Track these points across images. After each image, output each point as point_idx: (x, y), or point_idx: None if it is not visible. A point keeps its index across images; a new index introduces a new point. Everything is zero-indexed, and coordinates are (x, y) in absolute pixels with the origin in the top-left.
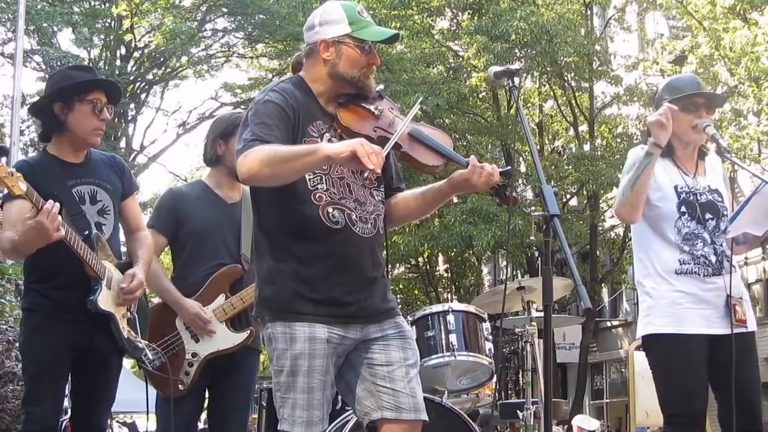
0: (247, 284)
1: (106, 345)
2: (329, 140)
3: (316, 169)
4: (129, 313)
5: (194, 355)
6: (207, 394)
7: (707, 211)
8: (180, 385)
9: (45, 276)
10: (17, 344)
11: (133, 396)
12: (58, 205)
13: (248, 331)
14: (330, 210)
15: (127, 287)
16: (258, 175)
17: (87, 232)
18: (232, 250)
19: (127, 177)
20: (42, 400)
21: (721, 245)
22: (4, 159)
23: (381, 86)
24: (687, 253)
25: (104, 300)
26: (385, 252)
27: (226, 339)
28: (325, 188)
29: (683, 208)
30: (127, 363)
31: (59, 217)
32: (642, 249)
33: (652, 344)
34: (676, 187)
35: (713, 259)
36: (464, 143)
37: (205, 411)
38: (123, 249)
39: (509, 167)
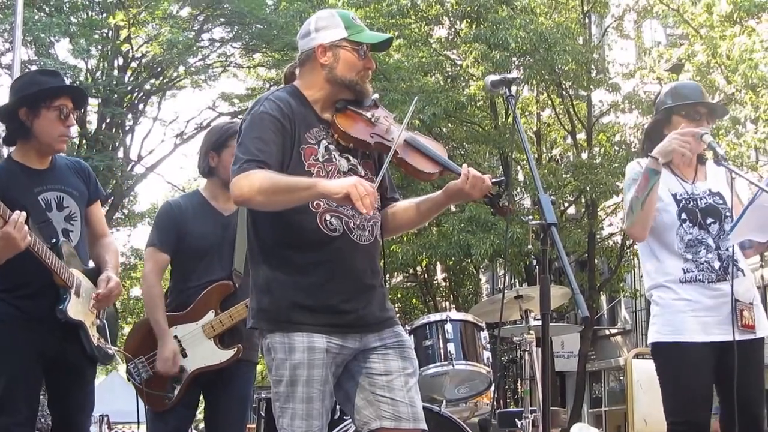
0: (239, 300)
1: (77, 353)
2: (326, 147)
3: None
4: (98, 320)
5: (181, 369)
6: (203, 405)
7: (708, 215)
8: (166, 399)
9: (13, 285)
10: None
11: (132, 407)
12: (24, 214)
13: (236, 349)
14: (327, 217)
15: (104, 290)
16: (252, 201)
17: (54, 240)
18: (225, 266)
19: (93, 183)
20: (15, 411)
21: (727, 250)
22: None
23: (376, 95)
24: (690, 261)
25: (74, 308)
26: (382, 261)
27: (213, 355)
28: None
29: (683, 215)
30: (125, 374)
31: (26, 227)
32: (648, 260)
33: (656, 352)
34: (674, 195)
35: (717, 264)
36: (462, 152)
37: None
38: None
39: (503, 177)
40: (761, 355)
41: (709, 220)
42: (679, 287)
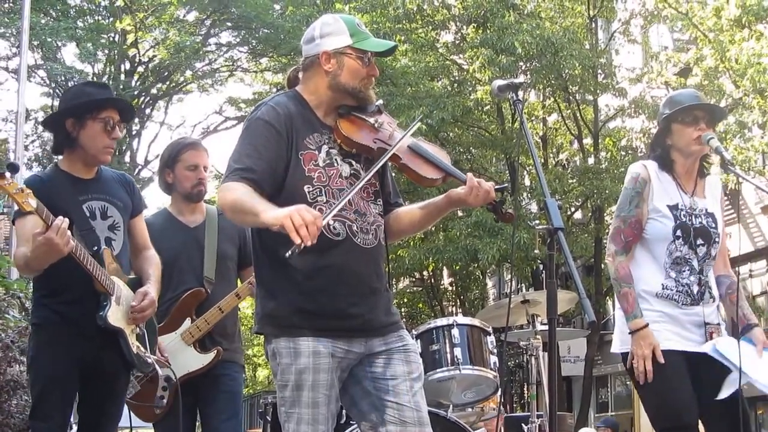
0: (213, 304)
1: (114, 360)
2: (328, 152)
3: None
4: (138, 329)
5: (167, 379)
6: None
7: (699, 236)
8: (156, 410)
9: (54, 290)
10: (16, 351)
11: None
12: (67, 220)
13: (215, 351)
14: (330, 222)
15: (138, 305)
16: (226, 213)
17: (96, 247)
18: (197, 274)
19: (137, 195)
20: (49, 415)
21: (706, 275)
22: (15, 175)
23: (380, 101)
24: (672, 279)
25: (114, 315)
26: (386, 266)
27: (195, 361)
28: (325, 200)
29: (678, 232)
30: None
31: (68, 232)
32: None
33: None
34: (675, 207)
35: (695, 289)
36: (468, 156)
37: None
38: None
39: (506, 184)
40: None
41: (699, 242)
42: (653, 299)
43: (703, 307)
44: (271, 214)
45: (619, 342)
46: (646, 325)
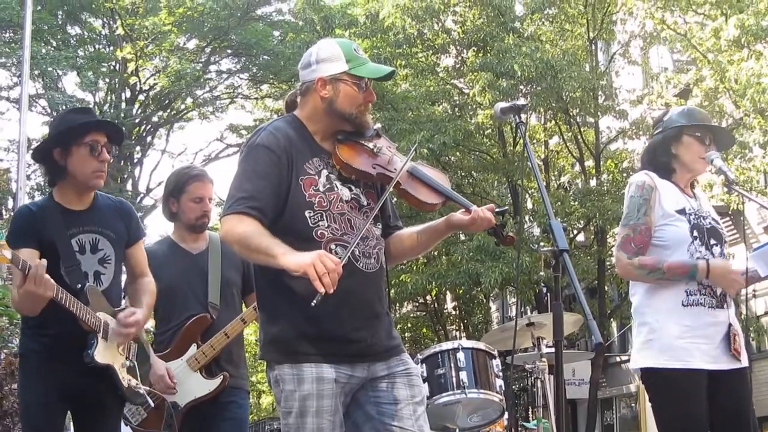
0: (218, 330)
1: (105, 391)
2: (327, 176)
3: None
4: (128, 362)
5: (174, 406)
6: None
7: (712, 236)
8: None
9: (40, 324)
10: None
11: None
12: (44, 263)
13: (222, 376)
14: (332, 246)
15: (123, 320)
16: (231, 246)
17: (80, 285)
18: (201, 300)
19: (135, 224)
20: None
21: None
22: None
23: (379, 125)
24: (694, 282)
25: (101, 353)
26: (387, 289)
27: (201, 387)
28: (326, 225)
29: (695, 233)
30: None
31: (46, 276)
32: None
33: (654, 379)
34: (682, 211)
35: (718, 291)
36: (470, 180)
37: None
38: None
39: (506, 207)
40: (747, 383)
41: (713, 242)
42: (680, 311)
43: (726, 309)
44: (291, 259)
45: (645, 357)
46: (707, 261)
